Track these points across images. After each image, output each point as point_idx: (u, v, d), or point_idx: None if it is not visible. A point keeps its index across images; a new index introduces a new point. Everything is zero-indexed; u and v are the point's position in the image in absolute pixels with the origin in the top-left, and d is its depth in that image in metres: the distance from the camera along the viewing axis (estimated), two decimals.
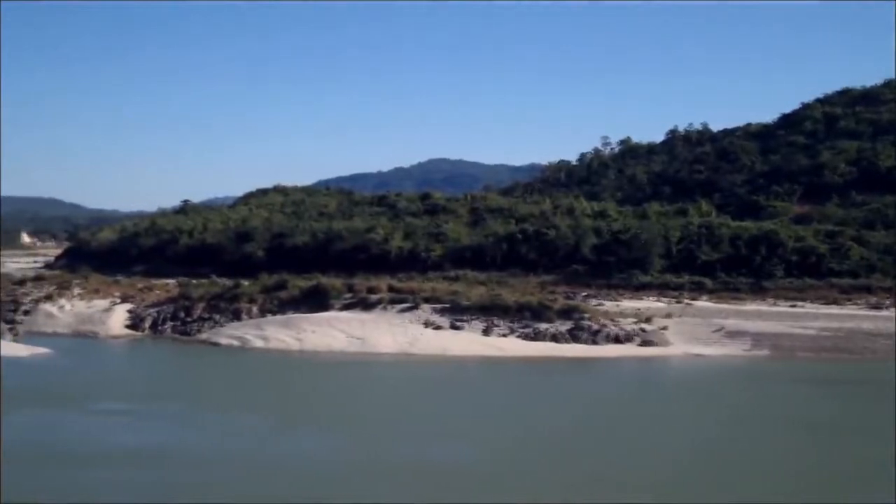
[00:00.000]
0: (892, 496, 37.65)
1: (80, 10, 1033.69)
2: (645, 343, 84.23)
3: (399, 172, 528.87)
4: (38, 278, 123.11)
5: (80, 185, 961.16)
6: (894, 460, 42.94)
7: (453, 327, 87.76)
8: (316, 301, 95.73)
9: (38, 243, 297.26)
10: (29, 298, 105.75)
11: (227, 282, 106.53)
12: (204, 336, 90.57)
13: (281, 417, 56.10)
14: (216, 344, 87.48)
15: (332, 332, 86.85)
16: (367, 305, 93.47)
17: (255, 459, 45.23)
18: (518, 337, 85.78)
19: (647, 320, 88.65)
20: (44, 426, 52.61)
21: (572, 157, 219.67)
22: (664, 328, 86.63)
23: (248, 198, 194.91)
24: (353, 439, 49.68)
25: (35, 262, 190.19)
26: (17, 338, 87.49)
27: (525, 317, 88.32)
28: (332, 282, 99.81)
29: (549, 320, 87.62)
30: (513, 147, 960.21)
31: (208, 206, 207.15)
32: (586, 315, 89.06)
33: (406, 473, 42.38)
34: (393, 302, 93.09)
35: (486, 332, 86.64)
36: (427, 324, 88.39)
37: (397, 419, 56.11)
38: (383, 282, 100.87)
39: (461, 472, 43.02)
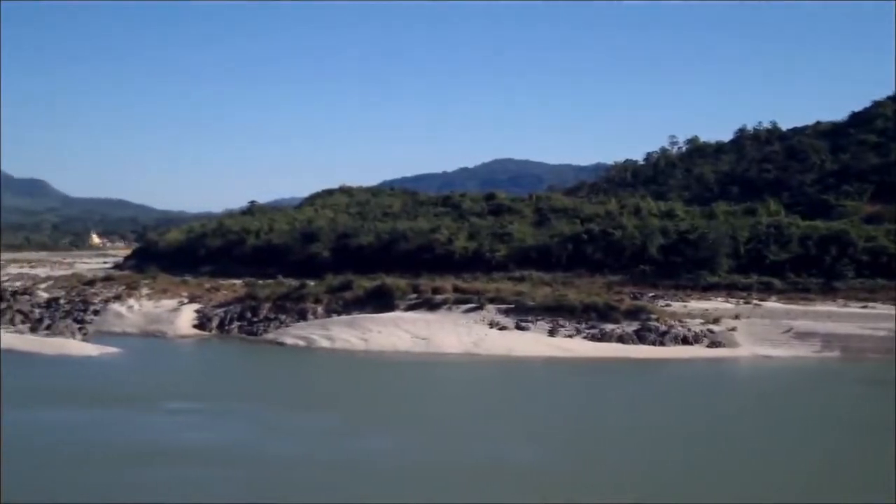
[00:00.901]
0: None
1: (157, 17, 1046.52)
2: (713, 344, 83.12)
3: (464, 173, 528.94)
4: (107, 278, 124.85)
5: (149, 186, 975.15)
6: None
7: (518, 328, 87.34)
8: (381, 301, 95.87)
9: (108, 244, 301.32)
10: (98, 298, 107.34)
11: (292, 282, 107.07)
12: (270, 336, 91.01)
13: (350, 417, 56.12)
14: (282, 344, 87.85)
15: (398, 332, 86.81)
16: (431, 306, 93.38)
17: (327, 459, 45.30)
18: (584, 338, 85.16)
19: (715, 321, 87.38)
20: (115, 425, 53.08)
21: (638, 157, 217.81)
22: (732, 329, 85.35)
23: (313, 198, 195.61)
24: (424, 439, 49.60)
25: (104, 262, 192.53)
26: (86, 337, 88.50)
27: (591, 317, 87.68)
28: (397, 282, 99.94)
29: (616, 321, 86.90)
30: (578, 147, 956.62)
31: (274, 207, 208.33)
32: (653, 316, 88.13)
33: (480, 474, 42.16)
34: (458, 302, 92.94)
35: (551, 332, 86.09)
36: (492, 324, 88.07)
37: (467, 419, 55.98)
38: (448, 282, 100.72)
39: (537, 473, 42.62)
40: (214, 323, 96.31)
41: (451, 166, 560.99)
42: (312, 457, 45.66)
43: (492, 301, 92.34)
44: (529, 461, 44.82)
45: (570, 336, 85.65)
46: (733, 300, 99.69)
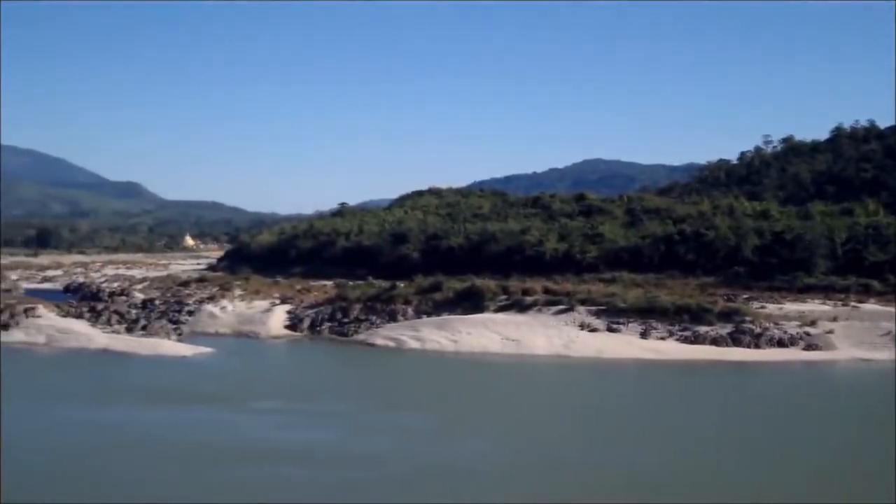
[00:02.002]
0: None
1: (250, 21, 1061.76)
2: (809, 347, 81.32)
3: (553, 173, 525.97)
4: (201, 280, 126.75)
5: (242, 189, 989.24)
6: None
7: (610, 329, 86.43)
8: (471, 302, 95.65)
9: (201, 246, 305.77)
10: (193, 299, 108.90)
11: (382, 283, 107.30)
12: (360, 337, 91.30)
13: (444, 418, 56.09)
14: (372, 345, 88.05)
15: (487, 333, 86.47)
16: (521, 307, 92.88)
17: (424, 460, 45.27)
18: (677, 340, 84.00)
19: (812, 323, 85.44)
20: (211, 424, 53.71)
21: (732, 157, 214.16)
22: (830, 332, 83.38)
23: (403, 200, 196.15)
24: (520, 441, 49.22)
25: (198, 263, 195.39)
26: (181, 338, 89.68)
27: (684, 319, 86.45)
28: (487, 283, 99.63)
29: (710, 323, 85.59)
30: (670, 146, 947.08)
31: (364, 209, 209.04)
32: (748, 318, 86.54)
33: (581, 476, 41.73)
34: (548, 304, 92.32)
35: (643, 334, 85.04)
36: (583, 326, 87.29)
37: (562, 421, 55.40)
38: (538, 283, 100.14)
39: (639, 476, 42.00)
40: (305, 324, 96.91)
41: (540, 167, 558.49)
42: (409, 458, 45.60)
43: (582, 303, 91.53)
44: (630, 464, 44.18)
45: (663, 338, 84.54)
46: (830, 302, 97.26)
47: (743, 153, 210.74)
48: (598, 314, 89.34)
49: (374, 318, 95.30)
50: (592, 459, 44.96)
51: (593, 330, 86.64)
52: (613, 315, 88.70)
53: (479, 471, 43.03)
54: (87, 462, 43.37)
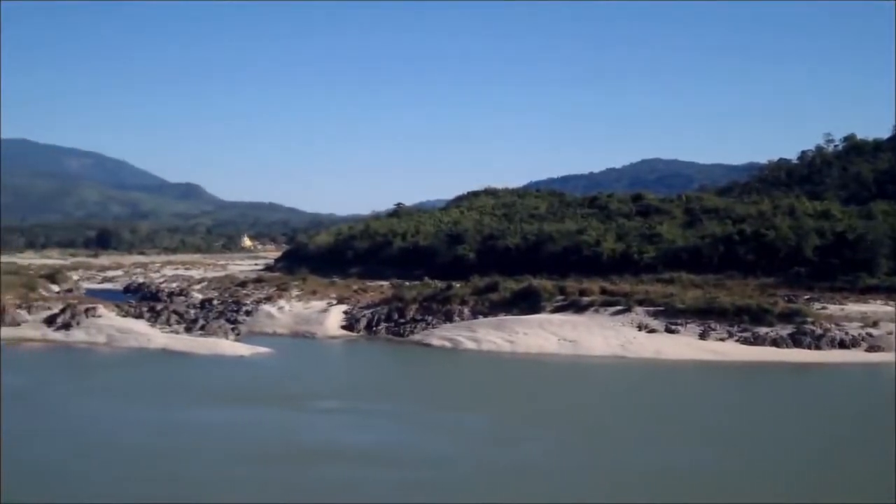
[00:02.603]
0: None
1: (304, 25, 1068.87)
2: (872, 349, 79.93)
3: (611, 173, 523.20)
4: (258, 280, 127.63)
5: (299, 190, 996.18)
6: None
7: (668, 330, 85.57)
8: (527, 303, 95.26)
9: (259, 246, 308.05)
10: (250, 299, 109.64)
11: (439, 283, 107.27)
12: (417, 337, 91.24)
13: (506, 418, 55.79)
14: (429, 345, 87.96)
15: (544, 334, 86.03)
16: (578, 308, 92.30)
17: (488, 460, 45.11)
18: (736, 341, 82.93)
19: (874, 325, 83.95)
20: (272, 424, 53.81)
21: (792, 156, 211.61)
22: (892, 333, 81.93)
23: (459, 200, 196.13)
24: (583, 442, 48.97)
25: (255, 264, 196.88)
26: (238, 337, 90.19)
27: (744, 320, 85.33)
28: (544, 284, 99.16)
29: (770, 324, 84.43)
30: (730, 146, 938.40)
31: (421, 210, 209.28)
32: (809, 319, 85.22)
33: (644, 478, 41.33)
34: (605, 304, 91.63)
35: (702, 335, 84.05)
36: (640, 327, 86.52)
37: (621, 422, 54.94)
38: (595, 284, 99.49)
39: (704, 478, 41.56)
40: (362, 324, 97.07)
41: (597, 167, 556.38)
42: (473, 458, 45.39)
43: (640, 303, 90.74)
44: (694, 465, 43.69)
45: (722, 339, 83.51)
46: (893, 303, 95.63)
47: (804, 152, 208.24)
48: (656, 315, 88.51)
49: (430, 318, 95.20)
50: (660, 461, 44.36)
51: (651, 331, 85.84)
52: (672, 316, 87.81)
53: (544, 471, 42.73)
54: (158, 462, 43.69)
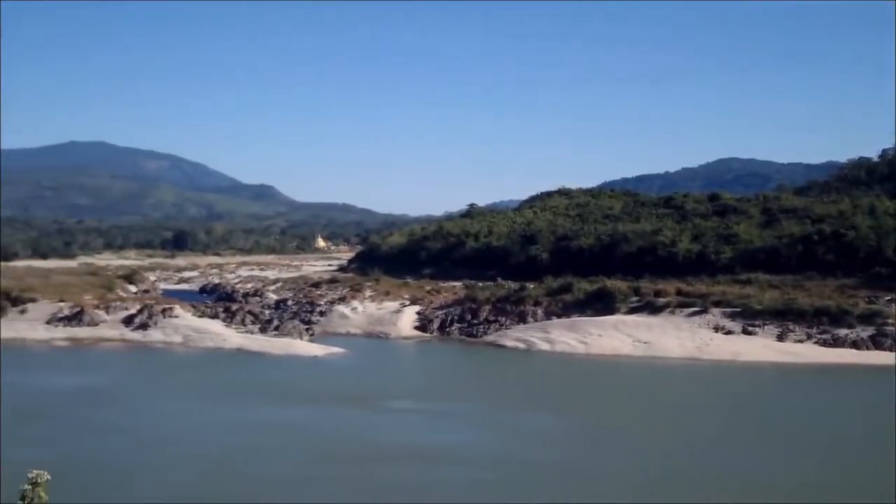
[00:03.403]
0: None
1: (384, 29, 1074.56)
2: None
3: (686, 173, 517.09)
4: (332, 281, 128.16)
5: (372, 191, 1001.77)
6: None
7: (745, 332, 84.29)
8: (601, 304, 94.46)
9: (332, 247, 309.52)
10: (324, 300, 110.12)
11: (512, 284, 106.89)
12: (490, 338, 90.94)
13: (582, 420, 55.50)
14: (502, 346, 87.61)
15: (618, 335, 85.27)
16: (653, 309, 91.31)
17: (567, 462, 44.88)
18: (815, 343, 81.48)
19: None
20: (347, 424, 54.02)
21: (872, 154, 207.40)
22: None
23: (532, 201, 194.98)
24: (660, 444, 48.28)
25: (329, 265, 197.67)
26: (312, 338, 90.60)
27: (823, 322, 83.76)
28: (618, 285, 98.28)
29: (850, 325, 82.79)
30: (808, 144, 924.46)
31: (494, 210, 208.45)
32: (890, 320, 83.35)
33: (729, 482, 40.68)
34: (680, 306, 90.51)
35: (780, 337, 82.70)
36: (717, 328, 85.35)
37: (702, 424, 54.30)
38: (670, 285, 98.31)
39: (797, 485, 40.69)
40: (435, 324, 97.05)
41: (673, 166, 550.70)
42: (548, 459, 45.08)
43: (716, 304, 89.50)
44: (783, 470, 42.81)
45: (801, 341, 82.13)
46: None
47: (884, 150, 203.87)
48: (732, 316, 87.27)
49: (503, 319, 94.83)
50: (744, 465, 43.60)
51: (728, 332, 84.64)
52: (749, 317, 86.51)
53: (619, 474, 42.29)
54: (239, 462, 44.13)
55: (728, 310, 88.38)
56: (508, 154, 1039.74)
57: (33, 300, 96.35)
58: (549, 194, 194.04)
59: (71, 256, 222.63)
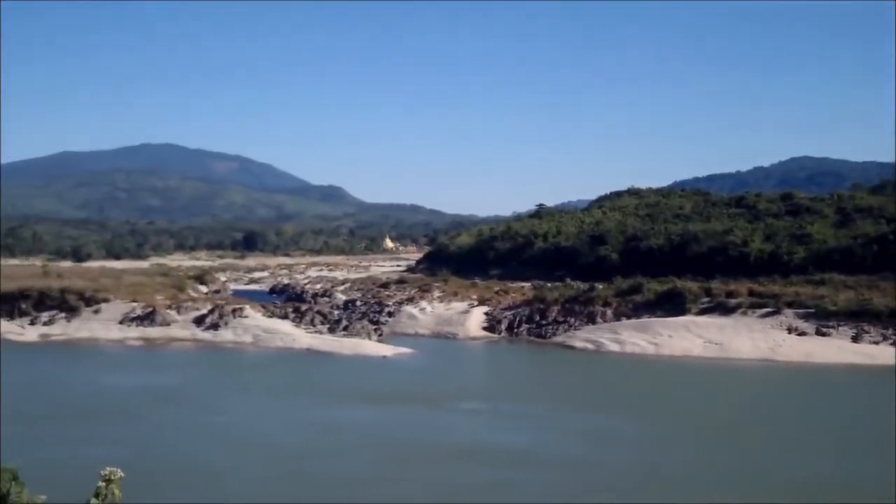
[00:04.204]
0: None
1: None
2: None
3: (758, 172, 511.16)
4: (400, 281, 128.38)
5: (440, 191, 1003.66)
6: None
7: (819, 333, 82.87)
8: (671, 305, 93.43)
9: (401, 247, 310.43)
10: (392, 301, 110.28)
11: (581, 285, 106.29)
12: (559, 339, 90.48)
13: (653, 422, 54.88)
14: (571, 347, 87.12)
15: (689, 336, 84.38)
16: (725, 310, 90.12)
17: (631, 464, 44.36)
18: (891, 344, 79.80)
19: None
20: (421, 424, 54.11)
21: None
22: None
23: (601, 201, 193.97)
24: (729, 448, 47.63)
25: (397, 265, 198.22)
26: (381, 338, 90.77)
27: None
28: (689, 285, 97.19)
29: None
30: (883, 142, 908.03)
31: (562, 210, 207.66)
32: None
33: (817, 489, 39.68)
34: (753, 307, 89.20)
35: (855, 338, 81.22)
36: (790, 329, 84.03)
37: (778, 428, 53.18)
38: (742, 286, 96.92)
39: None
40: (503, 325, 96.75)
41: (744, 165, 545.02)
42: (620, 461, 44.74)
43: (789, 305, 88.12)
44: (868, 476, 41.99)
45: (876, 342, 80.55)
46: None
47: None
48: (806, 317, 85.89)
49: (572, 319, 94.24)
50: (824, 468, 42.98)
51: (801, 333, 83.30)
52: (823, 318, 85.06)
53: (690, 477, 41.72)
54: (315, 461, 44.40)
55: (801, 311, 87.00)
56: (577, 154, 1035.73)
57: (106, 300, 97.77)
58: (618, 194, 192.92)
59: (143, 257, 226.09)
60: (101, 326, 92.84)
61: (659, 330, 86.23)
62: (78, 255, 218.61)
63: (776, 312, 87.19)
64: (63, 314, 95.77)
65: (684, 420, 55.50)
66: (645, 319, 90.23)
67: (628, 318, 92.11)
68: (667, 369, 76.90)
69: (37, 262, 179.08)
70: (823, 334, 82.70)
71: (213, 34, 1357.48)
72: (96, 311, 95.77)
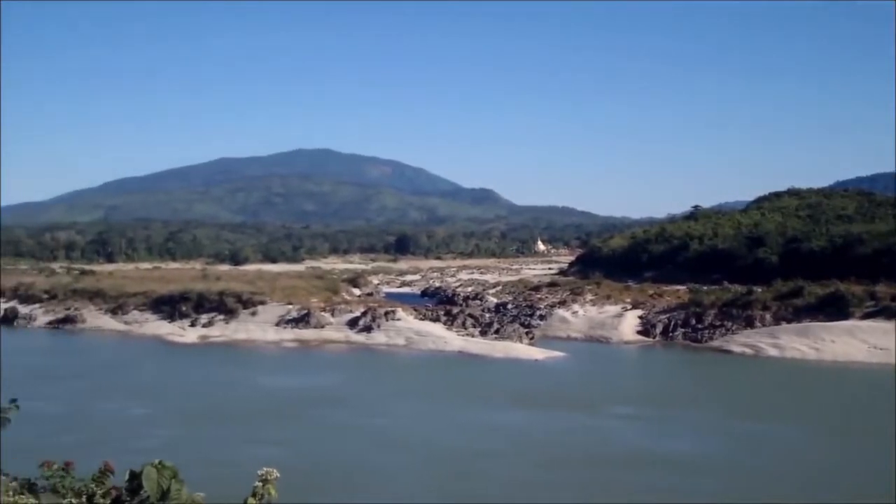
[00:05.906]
0: None
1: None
2: None
3: None
4: (552, 284, 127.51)
5: (592, 193, 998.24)
6: None
7: None
8: (833, 309, 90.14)
9: (552, 250, 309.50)
10: (544, 304, 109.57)
11: (738, 288, 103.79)
12: (715, 343, 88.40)
13: (814, 430, 52.96)
14: (728, 351, 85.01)
15: (853, 341, 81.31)
16: (891, 314, 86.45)
17: (798, 473, 42.79)
18: None
19: None
20: (577, 429, 53.32)
21: None
22: None
23: (760, 202, 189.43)
24: None
25: (549, 268, 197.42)
26: (532, 341, 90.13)
27: None
28: (852, 288, 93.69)
29: None
30: None
31: (719, 211, 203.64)
32: None
33: None
34: None
35: None
36: None
37: None
38: None
39: None
40: (658, 329, 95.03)
41: None
42: (790, 471, 43.19)
43: None
44: None
45: None
46: None
47: None
48: None
49: (729, 323, 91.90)
50: None
51: None
52: None
53: (873, 487, 39.78)
54: (477, 463, 44.16)
55: None
56: (734, 154, 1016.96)
57: (263, 303, 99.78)
58: (777, 195, 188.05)
59: (298, 260, 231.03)
60: (258, 328, 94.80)
61: (821, 334, 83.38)
62: (235, 259, 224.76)
63: None
64: (221, 316, 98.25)
65: (853, 427, 53.25)
66: (806, 323, 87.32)
67: (788, 322, 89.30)
68: (829, 375, 74.18)
69: (196, 265, 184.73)
70: None
71: (370, 42, 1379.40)
72: (253, 314, 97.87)
